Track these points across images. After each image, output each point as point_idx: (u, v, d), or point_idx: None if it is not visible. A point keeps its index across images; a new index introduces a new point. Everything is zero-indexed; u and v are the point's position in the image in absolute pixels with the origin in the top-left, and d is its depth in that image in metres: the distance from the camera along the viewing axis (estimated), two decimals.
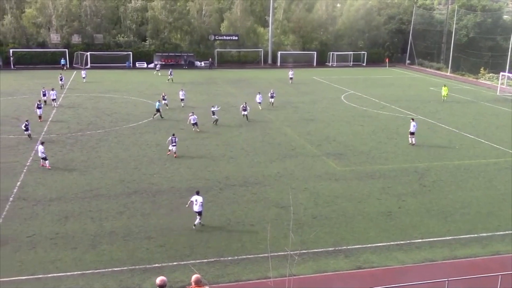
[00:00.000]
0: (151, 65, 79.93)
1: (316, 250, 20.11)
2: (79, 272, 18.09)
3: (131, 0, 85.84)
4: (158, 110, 42.74)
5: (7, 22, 78.82)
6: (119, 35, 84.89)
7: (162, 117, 42.60)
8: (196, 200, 21.78)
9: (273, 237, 20.43)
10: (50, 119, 41.81)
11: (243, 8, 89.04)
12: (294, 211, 22.90)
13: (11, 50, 75.52)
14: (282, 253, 18.75)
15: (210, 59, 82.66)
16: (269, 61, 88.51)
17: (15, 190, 25.69)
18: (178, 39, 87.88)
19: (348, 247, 20.48)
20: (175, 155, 31.90)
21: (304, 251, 19.52)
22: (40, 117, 40.93)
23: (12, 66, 74.28)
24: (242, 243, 20.60)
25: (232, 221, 22.74)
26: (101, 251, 19.72)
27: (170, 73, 65.02)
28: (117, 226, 21.82)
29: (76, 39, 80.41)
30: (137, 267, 18.56)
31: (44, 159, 29.35)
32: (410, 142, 36.05)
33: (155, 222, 22.39)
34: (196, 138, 36.72)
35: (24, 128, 34.99)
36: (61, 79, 57.49)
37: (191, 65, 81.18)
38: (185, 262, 18.88)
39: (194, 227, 21.81)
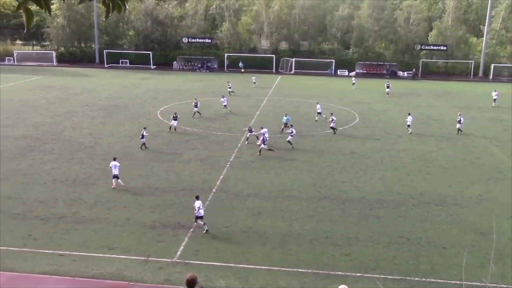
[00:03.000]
0: (352, 73, 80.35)
1: None
2: (266, 267, 18.93)
3: (338, 8, 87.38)
4: (285, 125, 39.63)
5: (225, 29, 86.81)
6: (323, 43, 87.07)
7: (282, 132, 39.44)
8: (200, 206, 21.57)
9: (468, 264, 18.86)
10: (253, 119, 44.64)
11: (455, 16, 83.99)
12: (496, 239, 20.74)
13: (226, 55, 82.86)
14: (478, 283, 17.14)
15: (414, 70, 79.72)
16: (480, 73, 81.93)
17: (218, 183, 28.03)
18: (382, 48, 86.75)
19: None
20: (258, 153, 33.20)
21: (504, 285, 17.53)
22: (174, 128, 39.00)
23: (225, 69, 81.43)
24: (432, 265, 19.37)
25: (423, 240, 21.52)
26: (288, 250, 20.35)
27: (388, 86, 61.02)
28: (305, 229, 22.31)
29: (283, 45, 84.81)
30: (321, 271, 18.72)
31: (116, 177, 26.40)
32: None
33: (342, 230, 22.34)
34: (391, 150, 35.71)
35: (141, 136, 34.04)
36: (229, 87, 57.47)
37: (393, 75, 79.33)
38: (369, 275, 18.46)
39: (206, 232, 21.53)
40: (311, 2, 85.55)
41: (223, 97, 48.53)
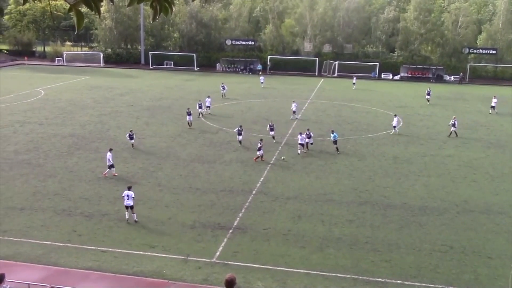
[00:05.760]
0: (397, 77, 79.01)
1: None
2: (304, 271, 18.83)
3: (384, 11, 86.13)
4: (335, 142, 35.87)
5: (268, 31, 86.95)
6: (368, 46, 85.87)
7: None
8: (128, 196, 22.36)
9: None
10: (294, 122, 44.47)
11: (506, 19, 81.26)
12: None
13: (268, 57, 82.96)
14: None
15: (461, 74, 77.62)
16: None
17: (258, 185, 28.07)
18: (428, 51, 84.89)
19: None
20: (261, 159, 32.23)
21: None
22: (189, 123, 41.32)
23: (267, 72, 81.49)
24: (476, 275, 18.80)
25: (467, 249, 20.92)
26: (327, 254, 20.18)
27: (428, 93, 56.99)
28: (345, 233, 22.07)
29: (327, 48, 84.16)
30: (360, 277, 18.47)
31: (111, 166, 28.62)
32: None
33: (383, 236, 21.98)
34: (436, 156, 34.88)
35: (129, 138, 34.92)
36: (223, 88, 56.74)
37: (439, 79, 77.52)
38: (409, 283, 18.10)
39: (128, 222, 22.52)
40: (356, 5, 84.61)
41: (208, 97, 48.16)
